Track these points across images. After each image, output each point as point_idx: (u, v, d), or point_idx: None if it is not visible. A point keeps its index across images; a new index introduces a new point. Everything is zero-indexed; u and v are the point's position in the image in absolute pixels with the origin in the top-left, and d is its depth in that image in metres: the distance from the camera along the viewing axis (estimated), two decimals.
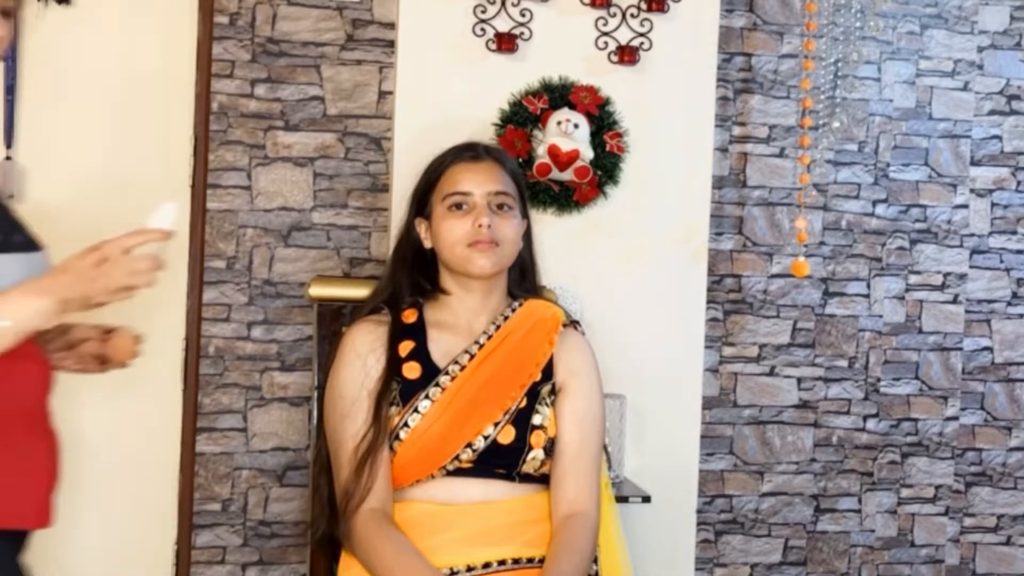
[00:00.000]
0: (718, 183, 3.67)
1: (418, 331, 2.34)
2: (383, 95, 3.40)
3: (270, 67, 3.36)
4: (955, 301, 3.89)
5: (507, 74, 3.13)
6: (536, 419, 2.28)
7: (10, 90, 3.05)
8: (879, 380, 3.84)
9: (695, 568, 3.33)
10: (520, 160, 3.07)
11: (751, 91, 3.73)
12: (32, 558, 2.76)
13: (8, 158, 3.07)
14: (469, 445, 2.24)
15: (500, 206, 2.32)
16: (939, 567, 3.89)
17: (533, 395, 2.30)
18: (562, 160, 3.06)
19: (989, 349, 3.92)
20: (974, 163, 3.90)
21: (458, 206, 2.31)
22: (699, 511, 3.48)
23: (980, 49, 3.88)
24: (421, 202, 2.39)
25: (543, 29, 3.15)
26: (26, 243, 1.90)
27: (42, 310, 1.73)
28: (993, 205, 3.91)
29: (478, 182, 2.32)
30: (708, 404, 3.67)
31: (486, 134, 3.03)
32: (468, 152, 2.37)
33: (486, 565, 2.21)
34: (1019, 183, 3.93)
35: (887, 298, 3.85)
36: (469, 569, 2.21)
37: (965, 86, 3.88)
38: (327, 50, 3.38)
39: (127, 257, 1.75)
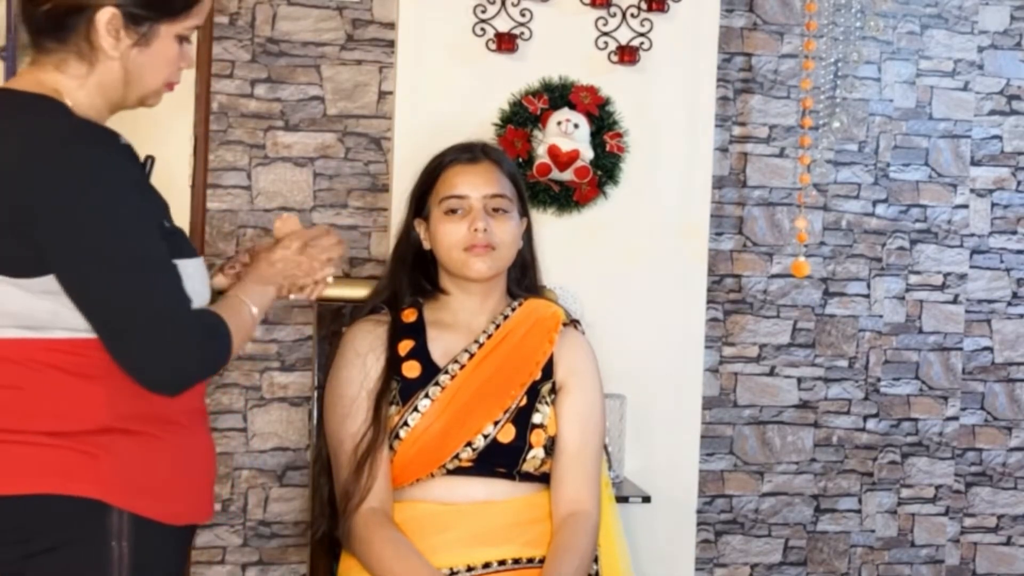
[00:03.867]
0: (718, 183, 3.67)
1: (418, 330, 2.34)
2: (383, 95, 3.40)
3: (270, 67, 3.36)
4: (955, 301, 3.89)
5: (507, 74, 3.13)
6: (536, 418, 2.28)
7: None
8: (879, 380, 3.84)
9: (695, 568, 3.33)
10: (520, 160, 3.07)
11: (751, 91, 3.73)
12: None
13: None
14: (469, 444, 2.24)
15: (497, 209, 2.32)
16: (939, 567, 3.89)
17: (533, 394, 2.30)
18: (562, 160, 3.06)
19: (989, 349, 3.92)
20: (974, 163, 3.90)
21: (454, 210, 2.31)
22: (699, 511, 3.48)
23: (980, 49, 3.88)
24: (419, 203, 2.38)
25: (543, 29, 3.15)
26: (194, 249, 1.95)
27: (271, 297, 1.97)
28: (993, 205, 3.91)
29: (474, 185, 2.32)
30: (708, 404, 3.67)
31: (486, 134, 3.03)
32: (465, 154, 2.37)
33: (486, 565, 2.22)
34: (1019, 183, 3.93)
35: (887, 298, 3.85)
36: (469, 569, 2.21)
37: (965, 86, 3.88)
38: (327, 50, 3.38)
39: (322, 242, 2.01)
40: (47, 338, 1.75)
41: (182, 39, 1.86)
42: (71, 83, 1.81)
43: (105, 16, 1.77)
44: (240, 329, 1.86)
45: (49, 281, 1.72)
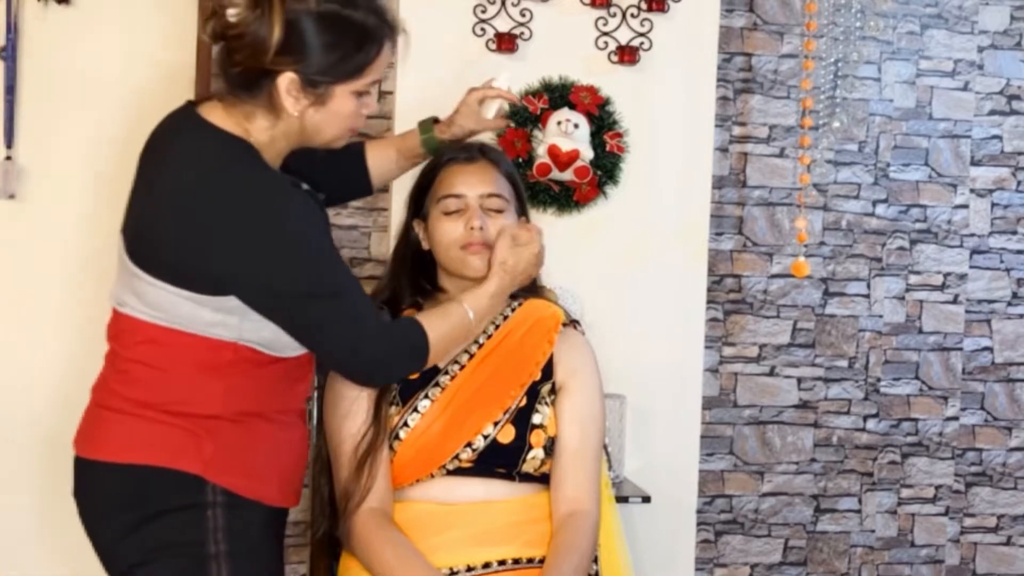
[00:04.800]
0: (718, 183, 3.67)
1: None
2: (383, 95, 3.39)
3: None
4: (955, 301, 3.89)
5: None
6: (536, 418, 2.29)
7: (10, 90, 3.06)
8: (879, 380, 3.84)
9: (695, 568, 3.33)
10: (520, 160, 3.07)
11: (751, 91, 3.73)
12: (37, 553, 2.75)
13: (8, 158, 3.07)
14: (469, 444, 2.24)
15: (493, 208, 2.33)
16: (939, 567, 3.90)
17: (533, 394, 2.30)
18: (562, 160, 3.06)
19: (989, 349, 3.92)
20: (974, 163, 3.90)
21: (452, 209, 2.32)
22: (699, 511, 3.48)
23: (980, 49, 3.88)
24: (418, 203, 2.39)
25: (543, 29, 3.15)
26: None
27: (497, 297, 2.27)
28: (993, 205, 3.92)
29: (471, 184, 2.33)
30: (708, 404, 3.67)
31: (485, 134, 3.03)
32: (463, 153, 2.38)
33: (486, 565, 2.22)
34: (1019, 183, 3.94)
35: (887, 298, 3.85)
36: (469, 569, 2.21)
37: (965, 86, 3.88)
38: None
39: (526, 234, 2.30)
40: (198, 335, 2.02)
41: (361, 94, 2.08)
42: (257, 130, 2.04)
43: (284, 82, 1.99)
44: (450, 332, 2.19)
45: (225, 300, 1.99)
